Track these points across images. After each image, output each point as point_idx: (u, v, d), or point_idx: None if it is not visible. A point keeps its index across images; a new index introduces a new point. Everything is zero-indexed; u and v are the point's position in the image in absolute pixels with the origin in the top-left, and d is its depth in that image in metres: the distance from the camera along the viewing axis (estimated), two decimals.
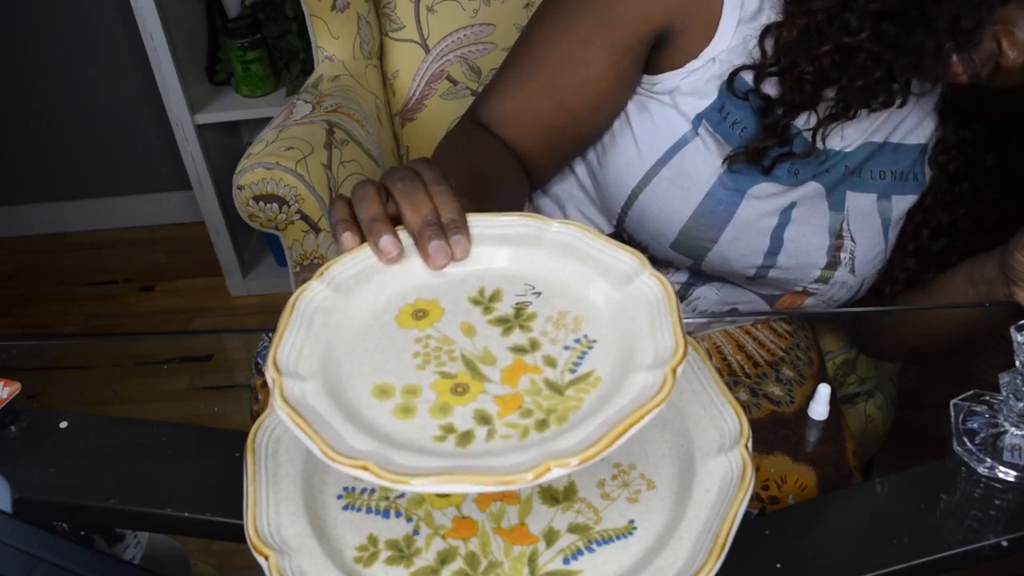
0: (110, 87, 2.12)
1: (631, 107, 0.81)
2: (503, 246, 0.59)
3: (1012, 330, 0.58)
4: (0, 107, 2.15)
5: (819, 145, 0.78)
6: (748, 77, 0.76)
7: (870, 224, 0.84)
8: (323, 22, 1.33)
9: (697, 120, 0.78)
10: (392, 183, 0.58)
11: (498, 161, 0.80)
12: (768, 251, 0.83)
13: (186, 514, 0.63)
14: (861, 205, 0.83)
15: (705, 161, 0.79)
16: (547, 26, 0.80)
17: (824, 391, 0.71)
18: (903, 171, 0.84)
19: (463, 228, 0.57)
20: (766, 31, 0.75)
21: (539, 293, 0.57)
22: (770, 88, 0.77)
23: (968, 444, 0.61)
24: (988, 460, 0.60)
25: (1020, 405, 0.60)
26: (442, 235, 0.56)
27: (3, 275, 2.25)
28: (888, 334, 0.96)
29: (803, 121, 0.78)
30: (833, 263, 0.84)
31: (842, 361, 1.11)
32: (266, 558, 0.49)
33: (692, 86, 0.78)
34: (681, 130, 0.79)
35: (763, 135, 0.77)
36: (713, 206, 0.80)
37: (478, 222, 0.60)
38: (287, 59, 1.90)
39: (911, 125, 0.83)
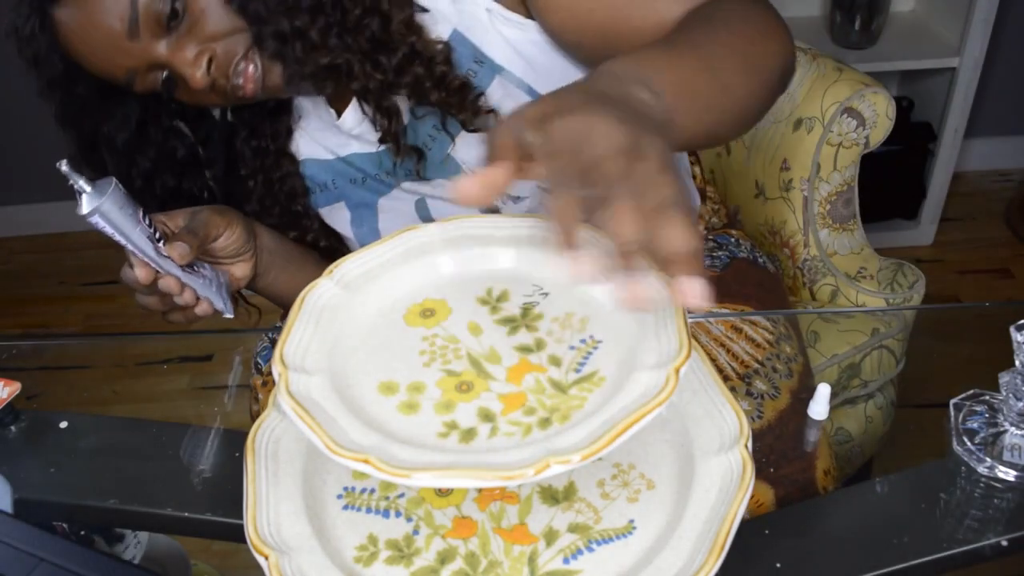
0: None
1: None
2: (512, 247, 0.59)
3: (1012, 330, 0.58)
4: None
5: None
6: None
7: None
8: None
9: None
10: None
11: None
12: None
13: (186, 514, 0.63)
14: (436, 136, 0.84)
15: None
16: None
17: (824, 390, 0.70)
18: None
19: None
20: None
21: (546, 294, 0.57)
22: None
23: (968, 444, 0.61)
24: (988, 460, 0.60)
25: (1020, 405, 0.60)
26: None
27: (3, 275, 2.25)
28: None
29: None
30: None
31: (847, 365, 1.11)
32: (266, 558, 0.50)
33: None
34: None
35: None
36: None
37: (487, 223, 0.60)
38: None
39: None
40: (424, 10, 0.78)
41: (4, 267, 2.28)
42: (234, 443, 0.64)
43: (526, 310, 0.56)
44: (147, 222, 0.68)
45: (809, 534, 0.60)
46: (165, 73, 0.75)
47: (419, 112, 0.80)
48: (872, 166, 1.32)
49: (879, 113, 1.14)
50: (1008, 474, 0.60)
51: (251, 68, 0.74)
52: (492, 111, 0.78)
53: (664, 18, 0.71)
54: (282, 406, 0.48)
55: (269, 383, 0.90)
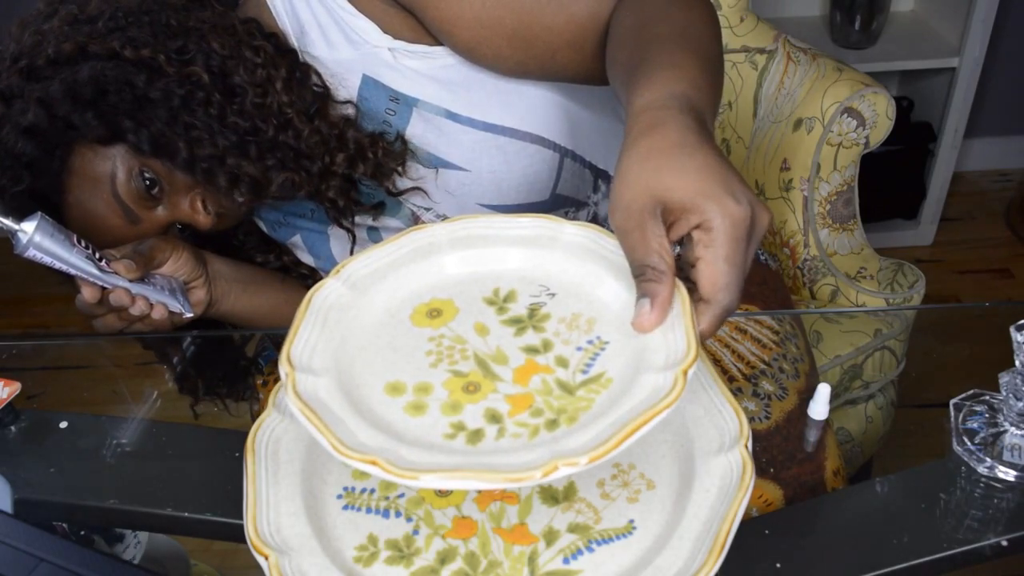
0: None
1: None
2: (518, 247, 0.59)
3: (1012, 330, 0.58)
4: None
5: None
6: None
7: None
8: None
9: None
10: None
11: None
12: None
13: (186, 514, 0.63)
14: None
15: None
16: None
17: (824, 390, 0.70)
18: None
19: None
20: None
21: (553, 294, 0.57)
22: None
23: (968, 444, 0.61)
24: (988, 460, 0.60)
25: (1020, 405, 0.60)
26: None
27: (3, 275, 2.25)
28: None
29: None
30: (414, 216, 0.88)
31: (849, 366, 1.11)
32: (266, 558, 0.50)
33: None
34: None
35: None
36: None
37: (494, 223, 0.60)
38: None
39: None
40: (321, 88, 0.80)
41: (4, 267, 2.28)
42: (234, 443, 0.64)
43: (533, 310, 0.56)
44: (83, 244, 0.72)
45: (809, 534, 0.60)
46: (178, 226, 0.82)
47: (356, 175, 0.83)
48: (872, 166, 1.33)
49: (879, 113, 1.14)
50: (1008, 474, 0.60)
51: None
52: (406, 150, 0.81)
53: (574, 12, 0.72)
54: (290, 407, 0.48)
55: (269, 383, 0.91)
